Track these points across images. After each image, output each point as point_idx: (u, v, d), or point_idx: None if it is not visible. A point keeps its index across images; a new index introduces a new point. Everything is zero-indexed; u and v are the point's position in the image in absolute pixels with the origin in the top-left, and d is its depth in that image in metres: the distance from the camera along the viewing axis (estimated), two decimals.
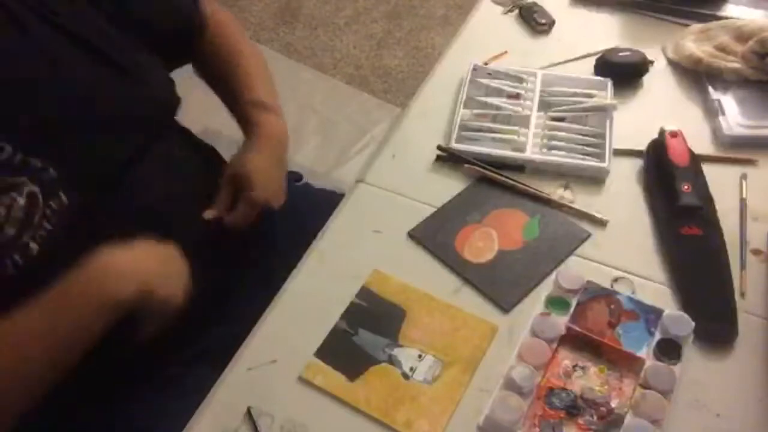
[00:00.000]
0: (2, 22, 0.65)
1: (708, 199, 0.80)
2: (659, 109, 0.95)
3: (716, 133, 0.91)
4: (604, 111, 0.92)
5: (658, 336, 0.68)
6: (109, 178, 0.71)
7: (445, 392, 0.65)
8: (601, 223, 0.81)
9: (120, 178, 0.72)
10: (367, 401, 0.65)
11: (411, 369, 0.67)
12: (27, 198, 0.63)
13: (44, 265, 0.63)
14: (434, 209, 0.83)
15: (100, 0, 0.74)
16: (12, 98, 0.64)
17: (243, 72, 0.89)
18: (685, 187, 0.80)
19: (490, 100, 0.96)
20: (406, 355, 0.68)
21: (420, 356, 0.68)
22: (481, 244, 0.79)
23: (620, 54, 0.99)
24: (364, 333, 0.70)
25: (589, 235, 0.79)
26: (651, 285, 0.74)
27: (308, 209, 0.91)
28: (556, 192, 0.84)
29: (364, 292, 0.74)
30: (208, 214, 0.77)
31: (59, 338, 0.63)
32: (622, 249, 0.78)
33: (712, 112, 0.93)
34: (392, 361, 0.68)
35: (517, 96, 0.96)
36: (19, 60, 0.66)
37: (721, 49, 0.99)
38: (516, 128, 0.91)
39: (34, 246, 0.64)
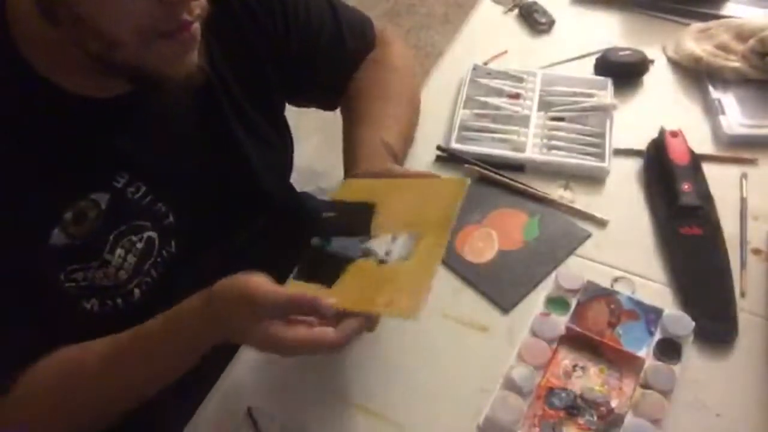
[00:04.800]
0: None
1: (708, 199, 0.80)
2: (659, 108, 0.95)
3: (716, 132, 0.91)
4: (604, 111, 0.91)
5: (658, 336, 0.68)
6: (214, 233, 0.73)
7: (422, 262, 0.60)
8: (601, 223, 0.80)
9: (223, 234, 0.74)
10: (347, 299, 0.58)
11: (386, 253, 0.62)
12: (145, 243, 0.65)
13: (140, 312, 0.63)
14: None
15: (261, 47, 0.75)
16: (166, 150, 0.67)
17: (384, 115, 0.82)
18: (686, 186, 0.80)
19: (490, 99, 0.96)
20: (379, 243, 0.63)
21: (393, 238, 0.63)
22: (481, 244, 0.79)
23: (620, 53, 0.99)
24: (337, 240, 0.66)
25: (589, 235, 0.79)
26: (651, 285, 0.74)
27: None
28: (556, 192, 0.84)
29: (332, 205, 0.69)
30: None
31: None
32: (622, 249, 0.78)
33: (713, 111, 0.93)
34: (367, 253, 0.63)
35: (517, 96, 0.96)
36: (181, 114, 0.69)
37: (722, 48, 0.99)
38: (516, 128, 0.91)
39: (137, 292, 0.65)
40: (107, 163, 0.62)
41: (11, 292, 0.58)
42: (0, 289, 0.57)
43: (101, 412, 0.62)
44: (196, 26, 0.57)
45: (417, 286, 0.58)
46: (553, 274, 0.74)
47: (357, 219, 0.66)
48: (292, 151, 0.88)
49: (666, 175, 0.82)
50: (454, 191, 0.64)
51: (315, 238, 0.67)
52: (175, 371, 0.60)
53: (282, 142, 0.84)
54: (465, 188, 0.63)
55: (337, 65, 0.84)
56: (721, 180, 0.83)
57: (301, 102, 0.89)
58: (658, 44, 1.04)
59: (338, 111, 0.88)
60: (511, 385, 0.64)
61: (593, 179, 0.86)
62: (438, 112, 0.95)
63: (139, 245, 0.65)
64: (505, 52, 1.05)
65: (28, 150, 0.57)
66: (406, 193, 0.66)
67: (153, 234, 0.66)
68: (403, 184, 0.67)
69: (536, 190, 0.84)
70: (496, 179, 0.85)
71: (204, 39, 0.59)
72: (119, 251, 0.63)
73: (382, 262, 0.62)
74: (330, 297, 0.57)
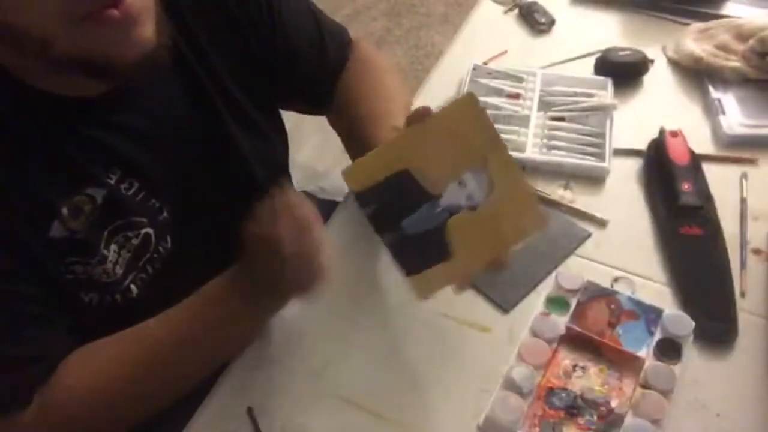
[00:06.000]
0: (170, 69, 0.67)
1: (708, 199, 0.80)
2: (659, 108, 0.95)
3: (716, 132, 0.91)
4: (604, 111, 0.92)
5: (658, 336, 0.68)
6: (210, 228, 0.72)
7: (509, 182, 0.59)
8: (601, 223, 0.81)
9: (219, 229, 0.73)
10: (480, 259, 0.60)
11: (468, 198, 0.59)
12: (141, 240, 0.65)
13: (139, 308, 0.64)
14: None
15: (251, 45, 0.75)
16: (156, 146, 0.66)
17: (391, 112, 0.80)
18: (686, 186, 0.80)
19: (490, 100, 0.96)
20: (452, 196, 0.59)
21: (461, 184, 0.59)
22: None
23: (620, 53, 0.99)
24: (408, 221, 0.60)
25: (589, 235, 0.79)
26: (651, 285, 0.74)
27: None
28: (556, 192, 0.84)
29: (364, 197, 0.61)
30: None
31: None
32: (622, 249, 0.78)
33: (713, 111, 0.93)
34: (452, 211, 0.59)
35: (516, 96, 0.96)
36: (170, 108, 0.68)
37: (722, 48, 0.99)
38: (516, 128, 0.91)
39: (134, 288, 0.66)
40: (99, 159, 0.62)
41: (28, 291, 0.59)
42: (15, 287, 0.58)
43: (177, 388, 0.64)
44: (131, 2, 0.53)
45: (526, 202, 0.59)
46: (553, 274, 0.74)
47: (406, 192, 0.60)
48: (287, 144, 0.88)
49: (666, 175, 0.82)
50: (470, 108, 0.59)
51: (384, 236, 0.61)
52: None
53: (276, 134, 0.84)
54: (477, 100, 0.59)
55: (320, 67, 0.83)
56: (721, 180, 0.83)
57: (288, 104, 0.88)
58: (658, 44, 1.04)
59: None
60: (511, 385, 0.64)
61: (593, 179, 0.86)
62: None
63: (135, 241, 0.65)
64: (505, 52, 1.05)
65: (21, 149, 0.58)
66: (428, 140, 0.60)
67: (150, 230, 0.66)
68: (413, 135, 0.61)
69: (536, 190, 0.84)
70: None
71: (165, 14, 0.58)
72: (113, 246, 0.63)
73: (472, 208, 0.59)
74: (467, 267, 0.59)
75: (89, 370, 0.62)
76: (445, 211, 0.60)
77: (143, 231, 0.65)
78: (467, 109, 0.59)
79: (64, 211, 0.60)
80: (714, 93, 0.95)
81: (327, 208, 0.96)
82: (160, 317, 0.63)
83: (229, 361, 0.70)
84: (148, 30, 0.56)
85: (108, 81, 0.60)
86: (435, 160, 0.60)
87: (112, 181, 0.63)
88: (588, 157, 0.87)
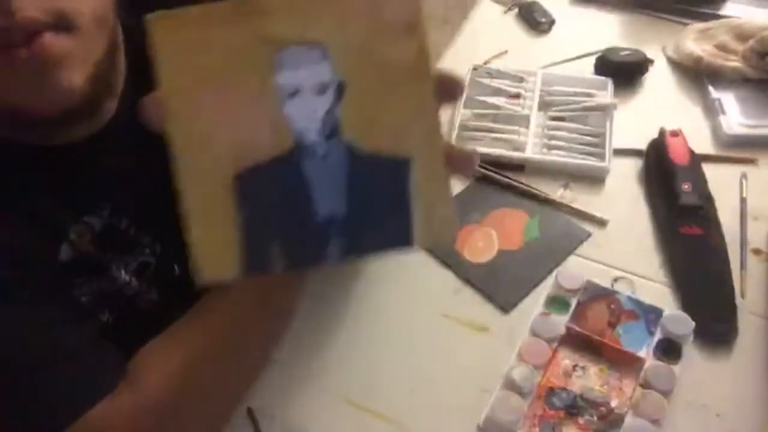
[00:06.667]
0: None
1: (708, 199, 0.80)
2: (659, 108, 0.95)
3: (716, 132, 0.91)
4: (604, 110, 0.92)
5: (658, 336, 0.68)
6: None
7: (330, 22, 0.39)
8: (601, 223, 0.80)
9: None
10: (430, 110, 0.43)
11: (320, 91, 0.39)
12: (138, 265, 0.65)
13: (156, 320, 0.63)
14: None
15: None
16: (140, 187, 0.64)
17: None
18: (686, 186, 0.80)
19: (490, 99, 0.95)
20: (305, 114, 0.39)
21: (293, 94, 0.39)
22: (481, 244, 0.79)
23: (620, 53, 0.99)
24: (319, 205, 0.40)
25: (589, 235, 0.79)
26: (651, 285, 0.74)
27: None
28: (556, 192, 0.84)
29: (249, 262, 0.40)
30: None
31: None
32: (622, 249, 0.78)
33: (713, 111, 0.93)
34: (332, 126, 0.39)
35: (517, 96, 0.96)
36: (157, 152, 0.66)
37: (722, 48, 0.99)
38: (516, 128, 0.91)
39: (155, 296, 0.66)
40: (89, 197, 0.61)
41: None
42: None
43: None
44: (47, 40, 0.46)
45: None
46: (553, 274, 0.74)
47: (272, 192, 0.40)
48: None
49: (666, 175, 0.82)
50: (169, 33, 0.38)
51: (326, 255, 0.41)
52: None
53: None
54: (162, 16, 0.38)
55: None
56: (721, 180, 0.83)
57: None
58: (658, 44, 1.05)
59: None
60: (511, 385, 0.64)
61: (593, 179, 0.86)
62: None
63: (132, 266, 0.65)
64: (505, 52, 1.05)
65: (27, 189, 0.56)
66: (200, 117, 0.39)
67: (151, 259, 0.66)
68: (179, 129, 0.40)
69: (536, 190, 0.84)
70: (496, 179, 0.85)
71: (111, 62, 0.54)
72: (120, 266, 0.64)
73: (341, 90, 0.39)
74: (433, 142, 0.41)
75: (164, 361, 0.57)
76: (327, 133, 0.40)
77: (140, 259, 0.66)
78: (166, 37, 0.38)
79: (72, 234, 0.59)
80: (714, 93, 0.95)
81: None
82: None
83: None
84: (73, 77, 0.48)
85: (41, 132, 0.55)
86: (239, 119, 0.39)
87: (104, 215, 0.62)
88: (588, 157, 0.87)
